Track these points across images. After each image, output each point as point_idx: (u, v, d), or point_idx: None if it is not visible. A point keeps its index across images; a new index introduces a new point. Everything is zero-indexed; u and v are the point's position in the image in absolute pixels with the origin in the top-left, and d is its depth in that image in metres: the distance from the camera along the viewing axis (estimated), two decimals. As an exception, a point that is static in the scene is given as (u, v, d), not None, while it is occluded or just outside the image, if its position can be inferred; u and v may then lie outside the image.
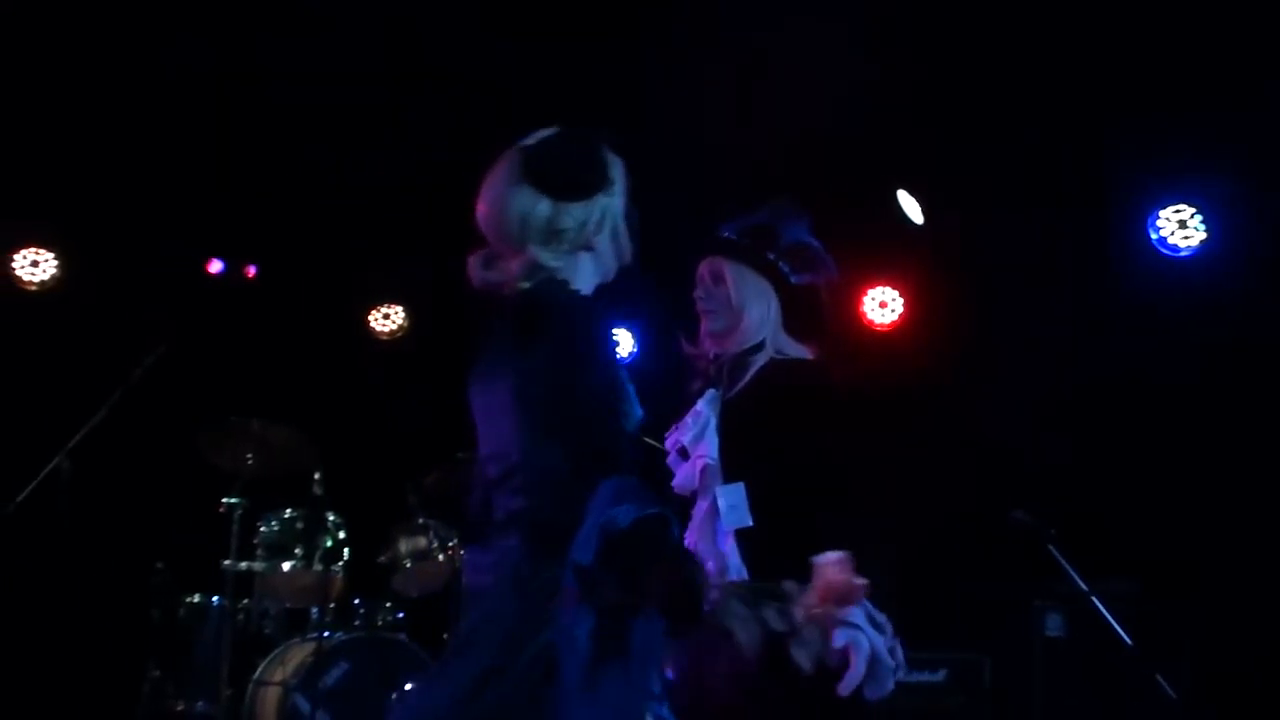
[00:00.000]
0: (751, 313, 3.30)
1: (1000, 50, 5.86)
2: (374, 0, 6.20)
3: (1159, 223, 6.29)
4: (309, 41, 6.24)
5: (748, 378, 3.26)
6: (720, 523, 3.14)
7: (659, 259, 3.17)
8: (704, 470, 3.21)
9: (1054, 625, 5.54)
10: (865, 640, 2.83)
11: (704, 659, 3.11)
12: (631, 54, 6.15)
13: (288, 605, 6.22)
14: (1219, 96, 5.83)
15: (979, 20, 5.86)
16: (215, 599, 6.08)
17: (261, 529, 6.15)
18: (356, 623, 5.99)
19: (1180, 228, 6.27)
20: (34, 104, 6.49)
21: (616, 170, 2.78)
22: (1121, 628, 4.63)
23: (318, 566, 6.05)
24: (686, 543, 3.13)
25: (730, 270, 3.33)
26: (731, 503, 3.15)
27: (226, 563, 6.06)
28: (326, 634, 5.79)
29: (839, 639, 2.82)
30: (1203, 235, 6.23)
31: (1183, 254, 6.25)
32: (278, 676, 5.77)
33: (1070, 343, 6.25)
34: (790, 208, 3.42)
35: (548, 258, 2.66)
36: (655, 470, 3.30)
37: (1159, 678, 4.66)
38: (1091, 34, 5.85)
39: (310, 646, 5.77)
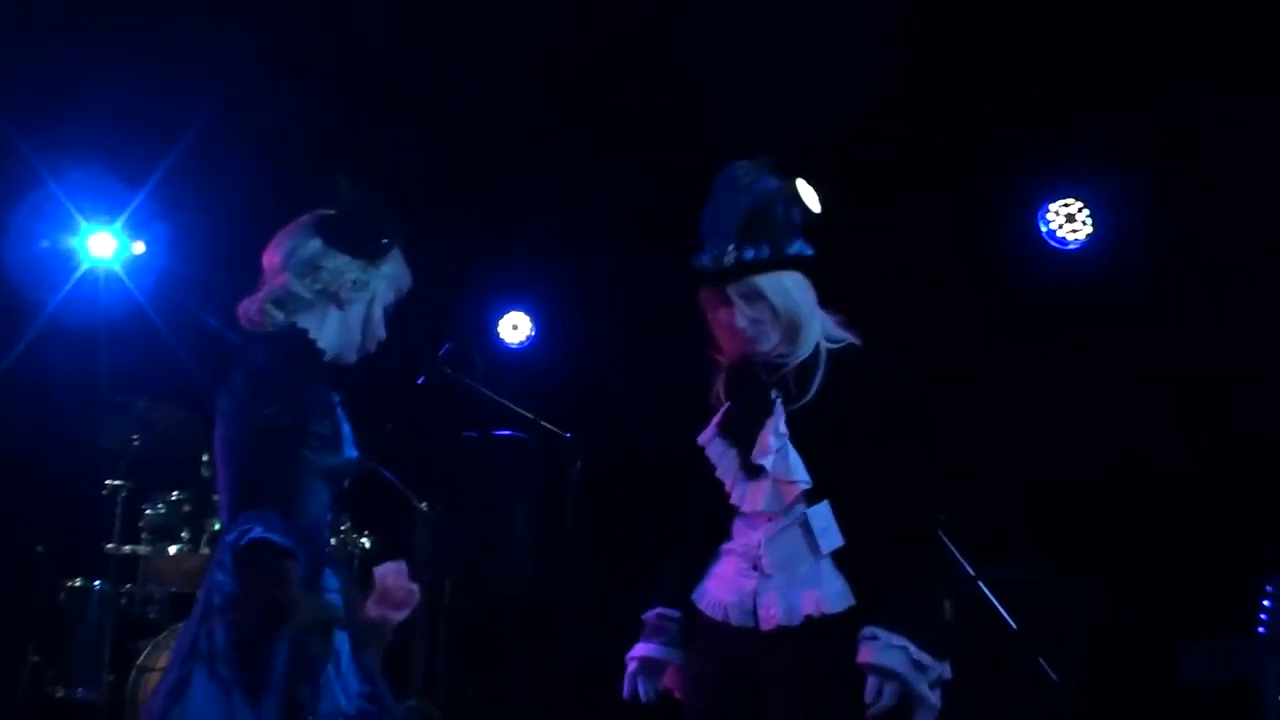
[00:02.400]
0: (807, 318, 3.08)
1: (890, 42, 5.91)
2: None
3: (1048, 216, 6.39)
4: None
5: (817, 383, 3.05)
6: (811, 543, 2.98)
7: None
8: (797, 495, 3.00)
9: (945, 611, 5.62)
10: (896, 685, 2.83)
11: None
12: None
13: (173, 590, 6.10)
14: (1106, 91, 5.95)
15: (870, 12, 5.91)
16: (98, 583, 5.96)
17: (147, 511, 6.03)
18: (244, 607, 5.90)
19: (1069, 221, 6.37)
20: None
21: (396, 264, 2.97)
22: (1007, 612, 4.71)
23: (205, 550, 5.94)
24: (758, 552, 3.03)
25: (764, 284, 3.05)
26: (822, 525, 2.98)
27: (110, 546, 5.94)
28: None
29: (871, 680, 2.84)
30: (1089, 229, 6.34)
31: (1071, 247, 6.36)
32: (162, 662, 5.66)
33: (960, 333, 6.33)
34: (755, 170, 3.17)
35: (298, 287, 2.86)
36: (700, 483, 3.17)
37: (1042, 661, 4.75)
38: (980, 27, 5.92)
39: (196, 631, 5.67)
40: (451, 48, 6.39)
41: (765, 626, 2.97)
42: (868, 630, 2.87)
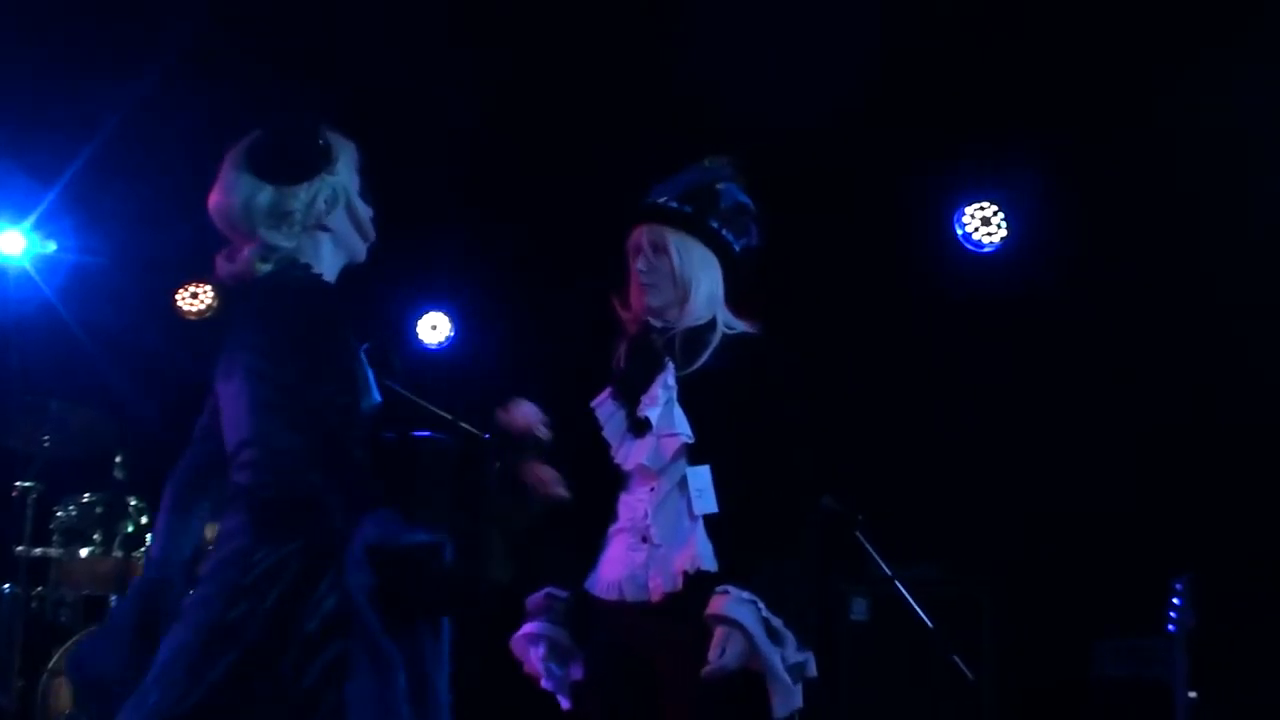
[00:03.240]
0: (700, 288, 3.12)
1: (805, 46, 5.95)
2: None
3: (964, 219, 6.46)
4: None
5: (706, 356, 3.10)
6: (689, 505, 3.01)
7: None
8: (676, 449, 3.04)
9: (858, 609, 5.67)
10: (741, 639, 2.84)
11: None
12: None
13: (85, 593, 6.02)
14: (1021, 95, 6.02)
15: (786, 16, 5.95)
16: (7, 586, 5.86)
17: (58, 514, 5.94)
18: (158, 611, 5.82)
19: (984, 224, 6.44)
20: None
21: (344, 151, 2.82)
22: (923, 611, 4.76)
23: (118, 553, 5.87)
24: (645, 523, 3.05)
25: (673, 240, 3.12)
26: (699, 486, 3.01)
27: (20, 549, 5.83)
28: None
29: (717, 631, 2.87)
30: (1004, 232, 6.42)
31: (986, 250, 6.44)
32: (73, 666, 5.57)
33: (875, 335, 6.39)
34: (724, 165, 3.24)
35: (278, 239, 2.70)
36: (585, 440, 3.18)
37: (957, 659, 4.80)
38: (897, 31, 5.98)
39: (109, 635, 5.59)
40: (375, 43, 6.35)
41: (655, 596, 3.00)
42: (720, 587, 2.90)
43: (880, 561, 4.78)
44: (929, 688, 5.40)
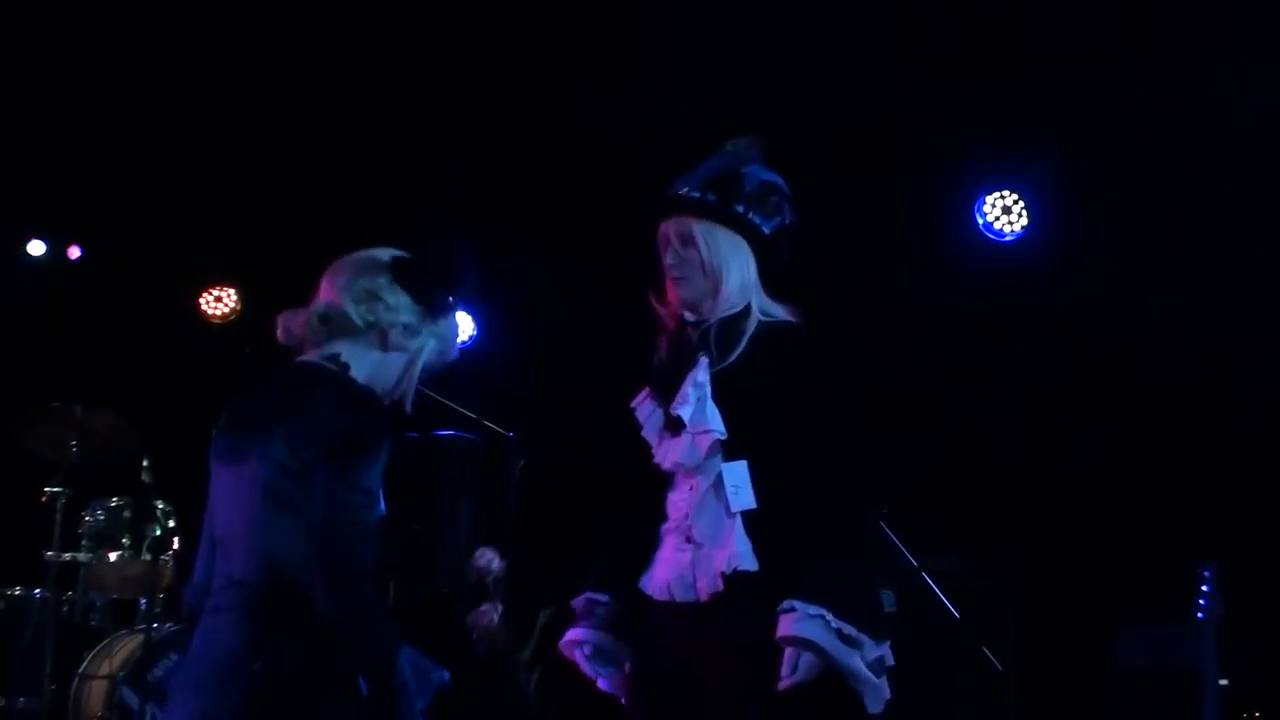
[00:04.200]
0: (731, 276, 3.05)
1: (828, 36, 5.94)
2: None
3: (985, 208, 6.45)
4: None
5: (741, 347, 3.03)
6: (727, 503, 2.95)
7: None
8: (710, 446, 2.99)
9: (885, 601, 5.65)
10: (812, 656, 2.78)
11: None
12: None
13: (115, 596, 6.06)
14: (1043, 83, 6.00)
15: (809, 6, 5.94)
16: (38, 591, 5.89)
17: (86, 518, 5.97)
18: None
19: (1005, 213, 6.43)
20: None
21: (451, 327, 2.85)
22: (949, 602, 4.76)
23: (146, 556, 5.90)
24: (687, 523, 3.01)
25: (699, 230, 3.06)
26: (735, 483, 2.95)
27: (49, 553, 5.87)
28: (155, 625, 5.65)
29: (788, 652, 2.82)
30: (1025, 221, 6.40)
31: (1007, 239, 6.42)
32: (104, 669, 5.61)
33: (898, 325, 6.38)
34: (748, 146, 3.17)
35: (350, 309, 2.70)
36: (624, 442, 3.13)
37: (984, 650, 4.80)
38: (919, 21, 5.96)
39: (139, 638, 5.63)
40: (393, 43, 6.37)
41: (703, 596, 2.95)
42: (785, 604, 2.83)
43: (906, 553, 4.78)
44: (956, 678, 5.39)
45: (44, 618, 5.82)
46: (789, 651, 2.82)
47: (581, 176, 6.59)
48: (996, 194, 6.42)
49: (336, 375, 2.67)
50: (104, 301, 6.94)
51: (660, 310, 3.17)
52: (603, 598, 3.16)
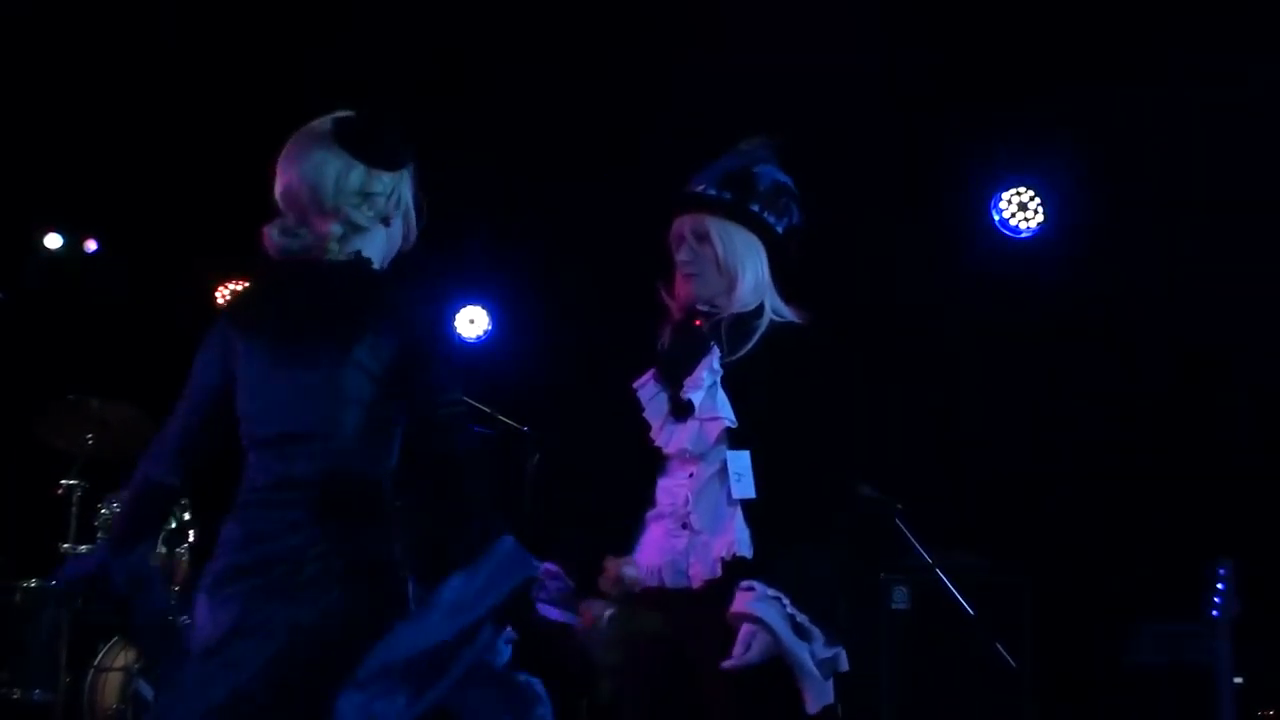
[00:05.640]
0: (746, 275, 3.08)
1: (843, 33, 5.93)
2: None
3: (1000, 205, 6.44)
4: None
5: (752, 343, 3.06)
6: (728, 491, 2.99)
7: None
8: (719, 434, 3.01)
9: (900, 598, 5.66)
10: (766, 637, 2.81)
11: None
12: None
13: (130, 589, 6.07)
14: (1058, 79, 5.99)
15: (823, 4, 5.94)
16: (53, 583, 5.91)
17: (102, 511, 5.98)
18: (202, 606, 5.86)
19: (1021, 210, 6.42)
20: None
21: (411, 154, 2.87)
22: (964, 599, 4.75)
23: (161, 549, 5.91)
24: (686, 509, 3.03)
25: (715, 227, 3.08)
26: (739, 471, 2.98)
27: (65, 546, 5.89)
28: (171, 617, 5.66)
29: (743, 628, 2.84)
30: (1041, 217, 6.39)
31: (1023, 235, 6.41)
32: (120, 662, 5.63)
33: (914, 321, 6.37)
34: (760, 146, 3.20)
35: (361, 219, 2.73)
36: (623, 423, 3.15)
37: (999, 647, 4.79)
38: (934, 17, 5.96)
39: (154, 631, 5.64)
40: (409, 39, 6.38)
41: (696, 583, 2.97)
42: (745, 582, 2.87)
43: (921, 550, 4.78)
44: (971, 676, 5.38)
45: (59, 610, 5.84)
46: (744, 630, 2.84)
47: (594, 173, 6.60)
48: (1012, 190, 6.42)
49: (381, 279, 2.75)
50: (120, 294, 6.95)
51: (670, 304, 3.19)
52: (553, 568, 3.15)
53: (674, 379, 3.10)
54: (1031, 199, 6.40)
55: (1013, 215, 6.42)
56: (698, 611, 2.97)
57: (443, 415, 2.61)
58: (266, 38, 6.33)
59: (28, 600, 5.92)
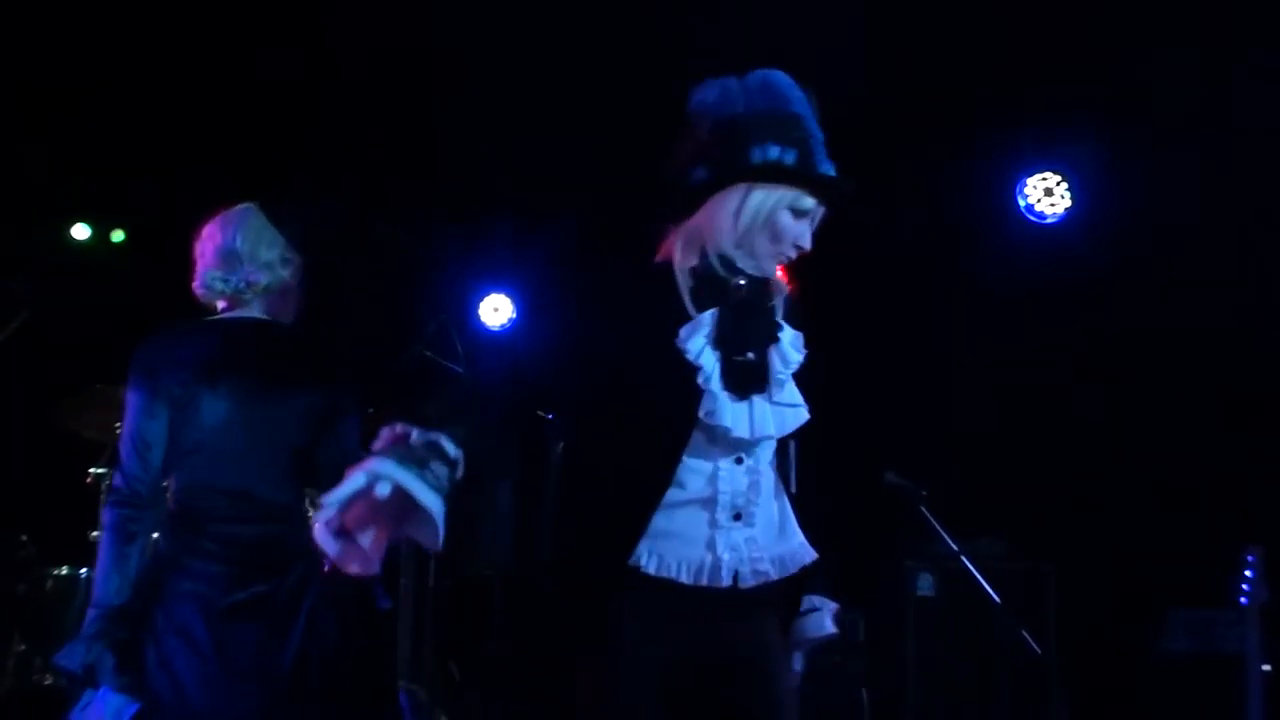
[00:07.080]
0: None
1: (868, 16, 5.91)
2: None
3: (1026, 190, 6.41)
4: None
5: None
6: (780, 484, 2.74)
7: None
8: (800, 424, 2.72)
9: (925, 585, 5.65)
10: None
11: None
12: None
13: (158, 576, 6.11)
14: (1084, 64, 5.96)
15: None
16: (84, 571, 5.95)
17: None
18: (229, 592, 5.90)
19: (1046, 195, 6.39)
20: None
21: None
22: (990, 586, 4.74)
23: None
24: (738, 500, 2.66)
25: (818, 211, 2.82)
26: (791, 463, 2.80)
27: (94, 534, 5.92)
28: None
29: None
30: (1068, 203, 6.36)
31: (1049, 221, 6.38)
32: (148, 648, 5.66)
33: (939, 309, 6.35)
34: (812, 97, 2.97)
35: (281, 276, 3.48)
36: (678, 392, 2.69)
37: (1025, 634, 4.78)
38: (959, 1, 5.93)
39: (182, 617, 5.67)
40: (433, 35, 6.38)
41: (748, 582, 2.63)
42: (811, 600, 2.74)
43: (946, 537, 4.76)
44: (996, 663, 5.38)
45: (89, 597, 5.87)
46: (807, 654, 2.77)
47: (620, 161, 6.58)
48: (1039, 176, 6.39)
49: (307, 340, 3.42)
50: (147, 284, 6.98)
51: (673, 258, 2.90)
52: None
53: (738, 349, 2.70)
54: (1058, 184, 6.37)
55: (1039, 201, 6.40)
56: (749, 613, 2.67)
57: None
58: (294, 36, 6.34)
59: (58, 587, 5.96)
